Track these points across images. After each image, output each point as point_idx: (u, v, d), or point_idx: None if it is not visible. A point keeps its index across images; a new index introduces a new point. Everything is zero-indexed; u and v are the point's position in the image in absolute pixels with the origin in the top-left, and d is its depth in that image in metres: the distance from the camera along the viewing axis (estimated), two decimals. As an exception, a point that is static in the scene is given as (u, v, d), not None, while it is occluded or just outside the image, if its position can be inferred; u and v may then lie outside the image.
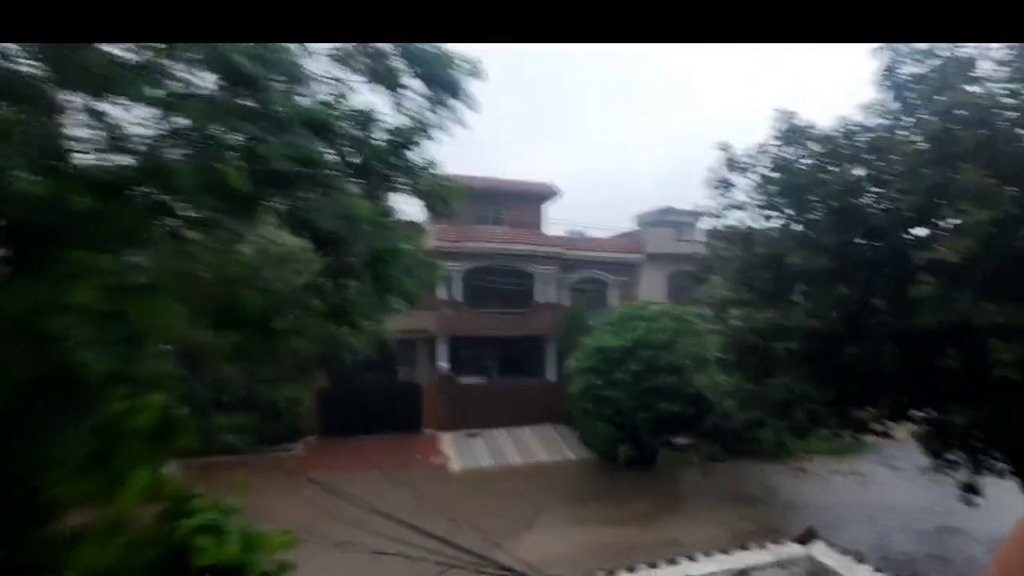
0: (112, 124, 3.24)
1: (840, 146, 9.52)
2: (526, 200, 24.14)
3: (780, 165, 10.23)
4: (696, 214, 15.56)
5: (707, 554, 6.27)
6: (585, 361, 17.11)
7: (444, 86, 4.11)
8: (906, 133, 8.99)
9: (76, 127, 3.27)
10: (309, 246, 4.13)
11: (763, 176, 10.52)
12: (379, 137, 4.13)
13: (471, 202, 22.31)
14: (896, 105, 9.39)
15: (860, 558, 5.93)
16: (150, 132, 3.36)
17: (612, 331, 17.00)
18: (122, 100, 3.16)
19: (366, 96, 4.11)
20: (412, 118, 4.16)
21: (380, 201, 4.28)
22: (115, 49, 3.05)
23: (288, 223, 4.04)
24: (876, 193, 9.06)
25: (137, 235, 3.62)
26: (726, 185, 11.10)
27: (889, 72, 9.41)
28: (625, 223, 28.70)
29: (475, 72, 4.17)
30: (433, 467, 17.71)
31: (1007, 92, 8.05)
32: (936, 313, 7.59)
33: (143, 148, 3.35)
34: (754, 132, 11.20)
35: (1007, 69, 8.19)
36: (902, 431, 10.42)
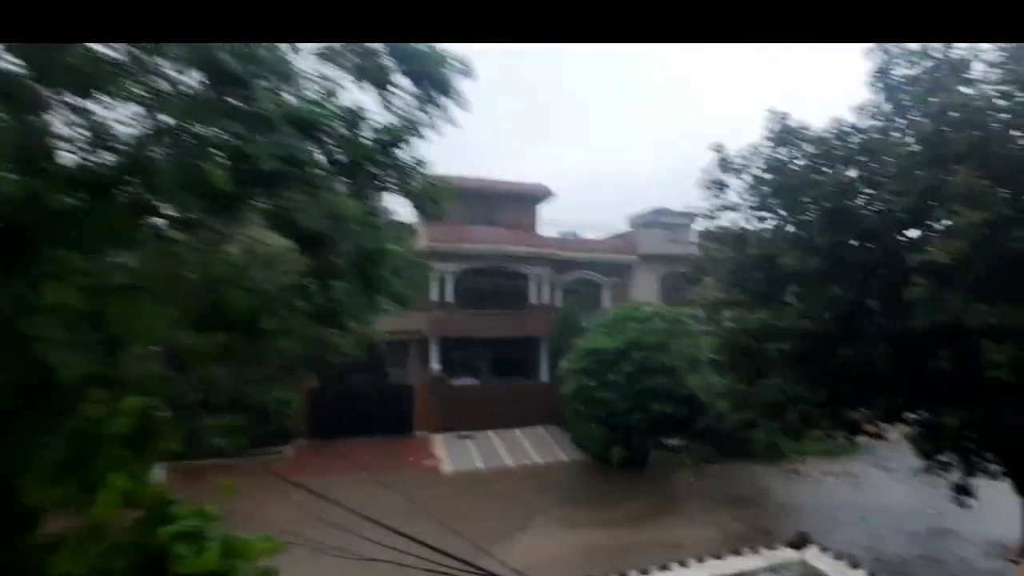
0: (97, 122, 3.20)
1: (833, 147, 9.53)
2: (520, 201, 24.10)
3: (773, 166, 10.22)
4: (689, 215, 15.54)
5: (700, 559, 6.21)
6: (578, 362, 17.05)
7: (434, 84, 4.07)
8: (899, 135, 9.00)
9: (61, 125, 3.23)
10: (296, 246, 4.05)
11: (756, 177, 10.52)
12: (367, 136, 4.08)
13: (465, 203, 22.24)
14: (889, 107, 9.42)
15: (854, 563, 5.89)
16: (135, 130, 3.32)
17: (605, 332, 16.96)
18: (106, 98, 3.14)
19: (355, 94, 4.08)
20: (402, 117, 4.12)
21: (368, 201, 4.23)
22: (99, 46, 3.02)
23: (273, 223, 3.98)
24: (869, 194, 9.07)
25: (121, 235, 3.59)
26: (719, 186, 11.09)
27: (882, 73, 9.43)
28: (623, 224, 28.77)
29: (466, 71, 4.13)
30: (425, 469, 17.59)
31: (999, 94, 8.07)
32: (929, 314, 7.59)
33: (127, 147, 3.31)
34: (754, 132, 11.18)
35: (999, 71, 8.21)
36: (895, 432, 10.44)
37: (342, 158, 3.98)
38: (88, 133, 3.21)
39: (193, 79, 3.31)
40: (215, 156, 3.28)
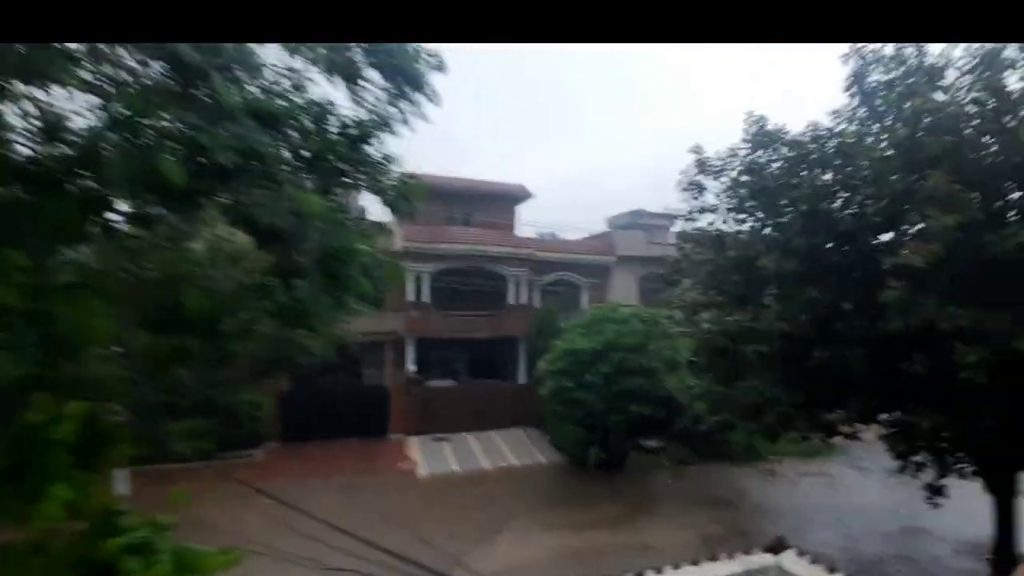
0: (50, 112, 3.07)
1: (809, 151, 9.59)
2: (498, 201, 23.97)
3: (751, 168, 10.26)
4: (668, 216, 15.59)
5: (676, 566, 6.11)
6: (556, 363, 16.96)
7: (406, 79, 3.97)
8: (874, 139, 9.09)
9: (10, 116, 3.07)
10: (256, 243, 3.88)
11: (734, 179, 10.55)
12: (335, 130, 3.97)
13: (443, 203, 22.08)
14: (864, 111, 9.51)
15: (831, 567, 5.86)
16: (89, 122, 3.18)
17: (583, 333, 16.90)
18: (59, 87, 3.01)
19: (324, 89, 3.97)
20: (372, 112, 4.02)
21: (335, 197, 4.09)
22: None
23: (233, 219, 3.82)
24: (845, 198, 9.14)
25: (72, 231, 3.43)
26: (698, 188, 11.11)
27: (857, 78, 9.52)
28: (602, 225, 28.84)
29: (439, 66, 4.05)
30: (400, 472, 17.30)
31: (971, 100, 8.20)
32: (903, 317, 7.65)
33: (80, 138, 3.17)
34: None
35: (970, 77, 8.34)
36: (870, 433, 10.56)
37: (308, 153, 3.87)
38: (39, 124, 3.07)
39: (153, 69, 3.19)
40: (170, 149, 3.13)
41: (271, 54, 3.64)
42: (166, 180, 2.94)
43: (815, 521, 13.31)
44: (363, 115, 3.99)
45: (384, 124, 4.00)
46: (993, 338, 7.13)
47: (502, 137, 67.25)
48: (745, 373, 10.25)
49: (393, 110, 3.99)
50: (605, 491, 15.54)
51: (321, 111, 3.85)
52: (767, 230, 10.22)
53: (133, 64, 3.13)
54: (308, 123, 3.81)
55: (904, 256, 7.48)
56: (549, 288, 23.99)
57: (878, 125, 9.20)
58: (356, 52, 3.80)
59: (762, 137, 10.25)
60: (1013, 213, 8.00)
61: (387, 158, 4.13)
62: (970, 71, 8.37)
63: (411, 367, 21.16)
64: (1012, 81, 7.96)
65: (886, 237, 8.72)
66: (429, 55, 3.94)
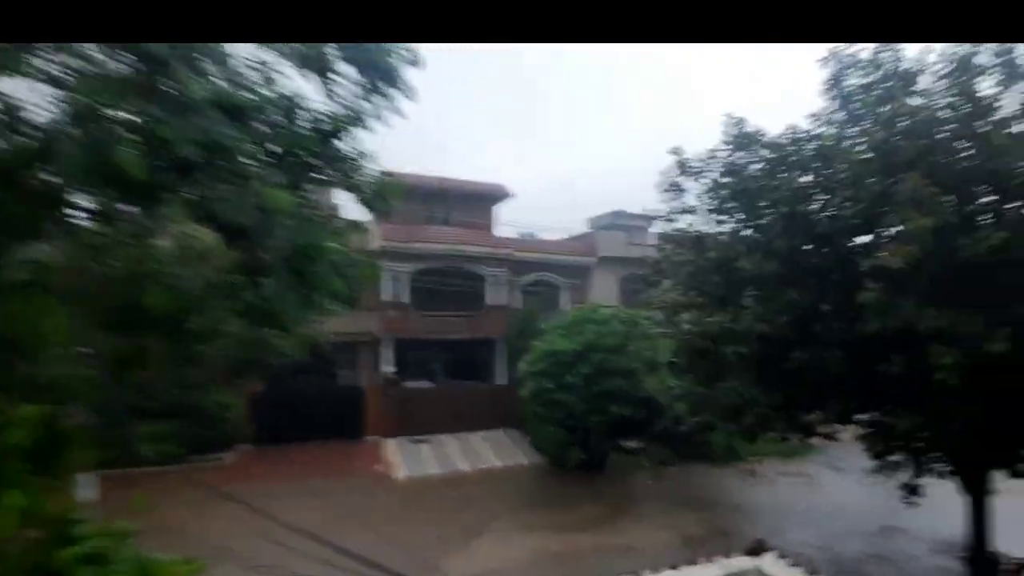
0: (7, 103, 2.99)
1: (788, 153, 9.66)
2: (478, 201, 23.86)
3: (730, 170, 10.31)
4: (649, 217, 15.63)
5: (655, 571, 6.08)
6: (536, 364, 16.88)
7: (380, 74, 3.89)
8: (851, 142, 9.19)
9: None
10: (221, 240, 3.74)
11: (714, 181, 10.58)
12: (305, 125, 3.89)
13: (422, 202, 21.88)
14: (842, 114, 9.61)
15: (812, 568, 5.88)
16: (50, 114, 3.10)
17: (563, 334, 16.85)
18: (14, 77, 2.90)
19: (297, 83, 3.89)
20: (345, 107, 3.95)
21: (304, 193, 3.98)
22: None
23: (197, 215, 3.69)
24: (824, 200, 9.21)
25: (26, 226, 3.33)
26: (678, 189, 11.12)
27: (835, 82, 9.63)
28: (583, 226, 28.85)
29: (414, 60, 3.98)
30: (376, 475, 17.03)
31: (945, 105, 8.33)
32: (880, 319, 7.72)
33: (36, 130, 3.08)
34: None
35: (945, 82, 8.48)
36: (847, 433, 10.70)
37: (276, 148, 3.77)
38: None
39: (117, 60, 3.09)
40: (130, 141, 3.02)
41: (240, 46, 3.53)
42: (125, 173, 2.84)
43: (794, 521, 13.44)
44: (336, 110, 3.91)
45: (357, 119, 3.92)
46: (966, 340, 7.24)
47: (486, 137, 67.17)
48: (725, 374, 10.29)
49: (367, 105, 3.92)
50: (586, 492, 15.50)
51: (291, 105, 3.77)
52: (747, 231, 10.27)
53: (97, 55, 3.01)
54: (277, 117, 3.73)
55: (882, 258, 7.56)
56: (529, 288, 23.92)
57: (856, 128, 9.30)
58: (328, 45, 3.70)
59: (742, 139, 10.31)
60: (985, 217, 8.15)
61: (361, 154, 4.05)
62: (944, 76, 8.50)
63: (388, 368, 20.87)
64: (985, 86, 8.12)
65: (864, 239, 8.80)
66: (404, 50, 3.85)
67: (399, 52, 3.83)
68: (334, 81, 3.80)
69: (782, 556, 6.41)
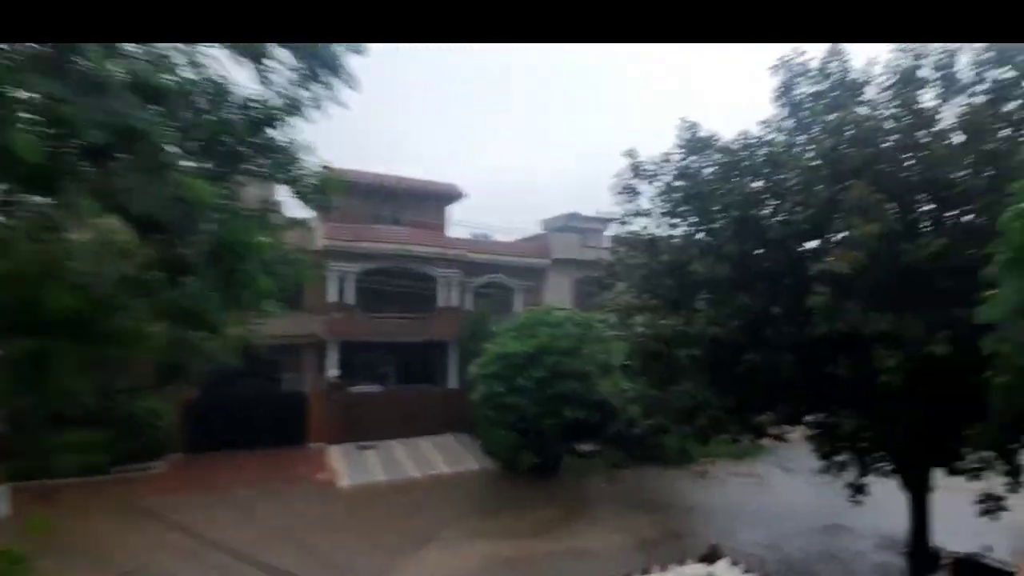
0: None
1: (740, 158, 9.77)
2: (429, 200, 23.34)
3: (683, 174, 10.35)
4: (603, 220, 15.68)
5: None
6: (488, 367, 16.58)
7: (321, 60, 3.68)
8: (801, 149, 9.37)
9: None
10: (134, 234, 3.34)
11: (667, 184, 10.60)
12: (235, 112, 3.62)
13: (370, 200, 21.21)
14: (792, 122, 9.80)
15: (765, 573, 5.84)
16: None
17: (516, 336, 16.63)
18: None
19: (230, 68, 3.64)
20: (281, 94, 3.72)
21: (232, 185, 3.62)
22: None
23: (108, 205, 3.30)
24: (775, 205, 9.35)
25: None
26: (632, 192, 11.10)
27: (785, 90, 9.81)
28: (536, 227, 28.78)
29: (357, 48, 3.77)
30: (318, 484, 16.27)
31: (889, 116, 8.60)
32: (828, 322, 7.86)
33: None
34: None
35: (889, 93, 8.76)
36: (796, 434, 10.93)
37: (201, 135, 3.49)
38: None
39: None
40: (28, 122, 2.71)
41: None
42: (20, 158, 2.49)
43: (744, 521, 13.68)
44: (271, 98, 3.68)
45: (294, 108, 3.67)
46: (909, 343, 7.45)
47: (440, 136, 66.45)
48: (678, 377, 10.31)
49: (305, 94, 3.71)
50: (539, 496, 15.32)
51: (219, 89, 3.48)
52: (700, 235, 10.34)
53: None
54: (203, 102, 3.46)
55: (829, 263, 7.69)
56: (482, 290, 23.59)
57: (805, 136, 9.49)
58: None
59: (695, 143, 10.37)
60: (926, 224, 8.46)
61: (297, 146, 3.82)
62: (888, 88, 8.78)
63: (332, 371, 20.07)
64: (926, 99, 8.43)
65: (813, 244, 8.97)
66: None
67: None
68: (269, 68, 3.57)
69: (735, 563, 6.34)
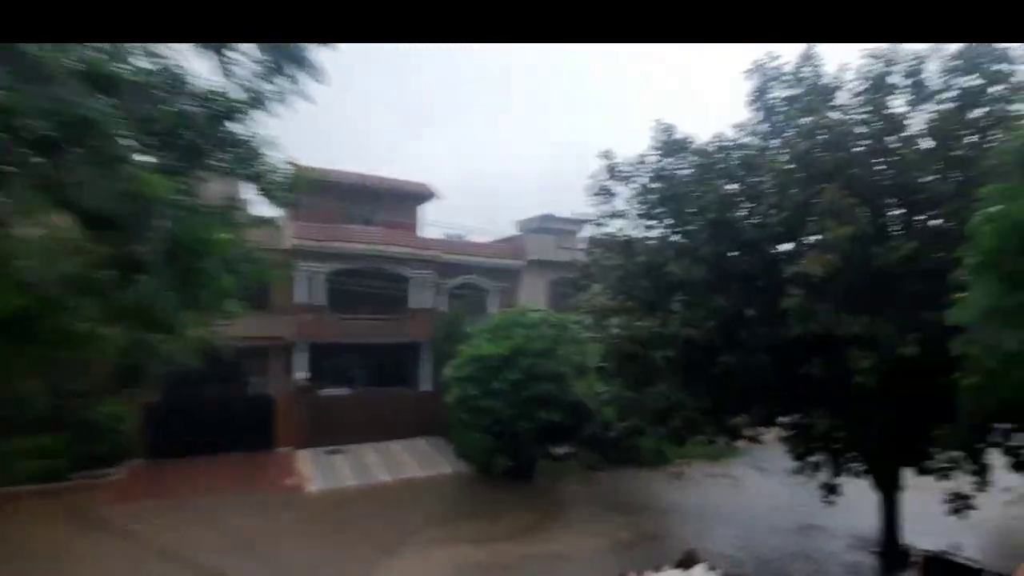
0: None
1: (715, 161, 9.82)
2: (402, 200, 23.02)
3: (659, 175, 10.36)
4: (578, 221, 15.63)
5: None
6: (462, 369, 16.35)
7: (285, 53, 3.51)
8: (775, 152, 9.45)
9: None
10: (84, 230, 3.10)
11: (643, 186, 10.60)
12: (194, 104, 3.48)
13: (341, 199, 20.79)
14: (766, 125, 9.89)
15: (743, 576, 5.79)
16: None
17: (490, 338, 16.44)
18: None
19: (189, 59, 3.50)
20: (244, 87, 3.60)
21: (190, 181, 3.40)
22: None
23: (55, 200, 3.06)
24: (750, 208, 9.41)
25: None
26: (607, 193, 11.07)
27: (760, 93, 9.90)
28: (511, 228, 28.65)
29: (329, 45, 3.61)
30: (286, 489, 15.79)
31: (860, 121, 8.73)
32: (802, 324, 7.93)
33: None
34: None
35: (860, 99, 8.89)
36: (771, 435, 11.00)
37: (158, 128, 3.31)
38: None
39: None
40: None
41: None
42: None
43: (720, 522, 13.73)
44: (234, 91, 3.56)
45: (258, 101, 3.54)
46: (881, 345, 7.55)
47: (413, 136, 65.70)
48: (654, 378, 10.29)
49: (269, 87, 3.60)
50: (514, 500, 15.14)
51: (177, 80, 3.33)
52: (676, 237, 10.36)
53: None
54: (160, 93, 3.28)
55: (803, 265, 7.76)
56: (456, 292, 23.33)
57: (779, 140, 9.58)
58: None
59: (671, 145, 10.40)
60: (896, 228, 8.60)
61: (261, 141, 3.68)
62: (860, 93, 8.91)
63: (301, 374, 19.56)
64: (896, 104, 8.57)
65: (788, 247, 9.05)
66: None
67: None
68: (232, 60, 3.45)
69: (712, 568, 6.28)
